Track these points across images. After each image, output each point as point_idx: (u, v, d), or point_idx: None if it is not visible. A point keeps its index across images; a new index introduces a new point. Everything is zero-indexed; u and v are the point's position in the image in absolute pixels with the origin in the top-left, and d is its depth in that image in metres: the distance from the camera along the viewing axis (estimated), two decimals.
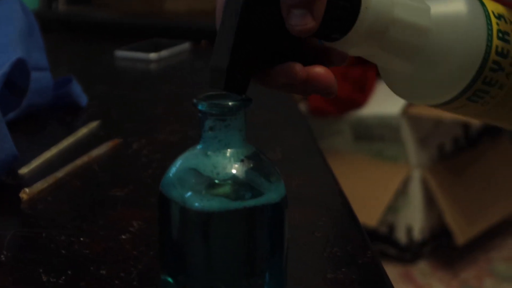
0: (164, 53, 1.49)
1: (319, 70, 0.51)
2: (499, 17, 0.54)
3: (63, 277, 0.61)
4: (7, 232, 0.69)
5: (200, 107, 0.49)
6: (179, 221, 0.50)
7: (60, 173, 0.82)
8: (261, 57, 0.51)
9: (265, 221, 0.50)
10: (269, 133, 0.98)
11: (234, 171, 0.49)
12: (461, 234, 2.35)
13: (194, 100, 0.49)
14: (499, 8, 0.55)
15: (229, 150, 0.50)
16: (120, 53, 1.49)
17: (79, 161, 0.85)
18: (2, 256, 0.65)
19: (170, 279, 0.51)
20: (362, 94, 2.44)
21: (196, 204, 0.48)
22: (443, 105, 0.56)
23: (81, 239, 0.68)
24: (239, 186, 0.49)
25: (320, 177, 0.85)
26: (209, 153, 0.50)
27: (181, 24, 1.73)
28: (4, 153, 0.79)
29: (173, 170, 0.51)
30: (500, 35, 0.54)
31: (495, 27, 0.54)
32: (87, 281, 0.60)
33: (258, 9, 0.49)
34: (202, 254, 0.49)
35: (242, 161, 0.50)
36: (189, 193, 0.49)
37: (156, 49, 1.49)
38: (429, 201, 2.38)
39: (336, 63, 0.55)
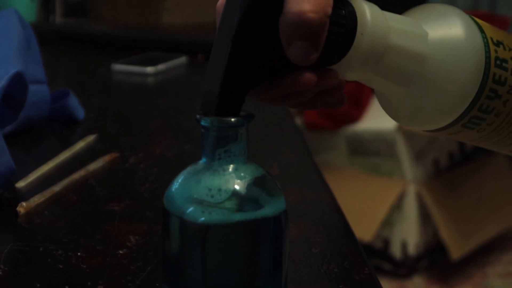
0: (161, 66, 1.49)
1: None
2: (497, 44, 0.54)
3: None
4: (4, 247, 0.69)
5: (203, 122, 0.49)
6: (178, 234, 0.50)
7: (57, 187, 0.82)
8: (254, 80, 0.51)
9: (265, 235, 0.50)
10: (265, 148, 0.98)
11: (234, 186, 0.49)
12: (456, 249, 2.35)
13: (197, 116, 0.49)
14: (499, 35, 0.55)
15: (231, 165, 0.50)
16: (117, 67, 1.49)
17: (76, 175, 0.85)
18: None
19: None
20: (357, 109, 2.45)
21: (195, 217, 0.48)
22: (438, 131, 0.56)
23: (78, 253, 0.67)
24: (240, 200, 0.49)
25: (317, 192, 0.85)
26: (210, 167, 0.50)
27: (177, 37, 1.73)
28: (2, 167, 0.79)
29: (174, 183, 0.51)
30: (498, 62, 0.53)
31: (493, 54, 0.53)
32: None
33: (253, 33, 0.49)
34: (201, 267, 0.49)
35: (243, 175, 0.50)
36: (188, 206, 0.49)
37: (153, 62, 1.50)
38: (424, 216, 2.38)
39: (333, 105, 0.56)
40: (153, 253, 0.68)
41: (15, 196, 0.81)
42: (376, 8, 0.51)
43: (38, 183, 0.85)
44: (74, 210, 0.79)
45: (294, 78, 0.50)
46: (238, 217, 0.49)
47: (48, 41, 1.76)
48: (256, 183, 0.50)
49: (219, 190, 0.49)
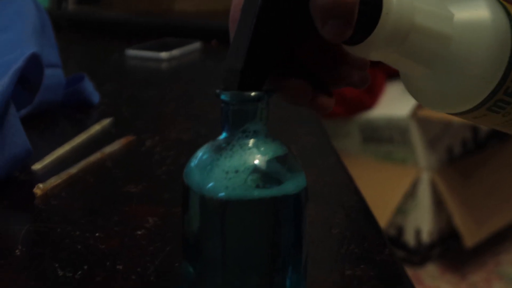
0: (175, 52, 1.48)
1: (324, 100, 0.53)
2: None
3: (79, 272, 0.60)
4: (21, 228, 0.69)
5: (223, 97, 0.48)
6: (198, 209, 0.49)
7: (73, 169, 0.81)
8: (276, 59, 0.50)
9: (285, 212, 0.49)
10: (282, 131, 0.97)
11: (255, 162, 0.49)
12: (470, 236, 2.34)
13: (217, 91, 0.49)
14: None
15: (251, 141, 0.49)
16: (131, 52, 1.49)
17: (92, 158, 0.85)
18: (17, 250, 0.64)
19: (190, 268, 0.50)
20: (371, 96, 2.44)
21: (215, 192, 0.48)
22: (462, 114, 0.55)
23: (96, 234, 0.67)
24: (260, 176, 0.48)
25: (335, 174, 0.84)
26: (230, 143, 0.49)
27: (191, 23, 1.73)
28: (18, 147, 0.78)
29: (194, 159, 0.50)
30: None
31: None
32: (103, 276, 0.60)
33: (276, 11, 0.49)
34: (220, 243, 0.49)
35: (263, 151, 0.49)
36: (208, 182, 0.48)
37: (167, 48, 1.49)
38: (438, 203, 2.38)
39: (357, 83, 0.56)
40: (172, 234, 0.67)
41: (31, 178, 0.81)
42: None
43: (54, 165, 0.84)
44: (91, 192, 0.79)
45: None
46: (258, 193, 0.48)
47: (61, 28, 1.76)
48: (276, 159, 0.49)
49: (239, 166, 0.48)
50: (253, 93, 0.49)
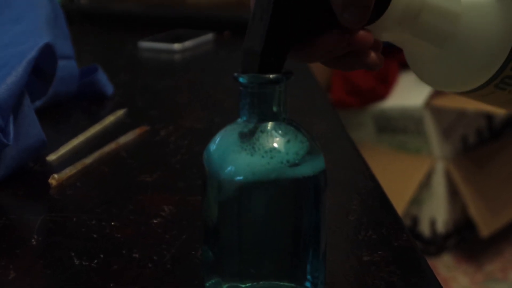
0: (188, 43, 1.48)
1: (363, 33, 0.51)
2: None
3: (96, 261, 0.60)
4: (36, 217, 0.69)
5: (241, 80, 0.48)
6: (217, 192, 0.49)
7: (88, 160, 0.81)
8: (295, 39, 0.50)
9: (304, 195, 0.49)
10: (297, 119, 0.97)
11: (273, 144, 0.48)
12: (485, 226, 2.33)
13: (235, 74, 0.48)
14: None
15: (269, 123, 0.49)
16: (144, 44, 1.48)
17: (107, 148, 0.85)
18: (33, 240, 0.64)
19: (210, 252, 0.50)
20: (384, 86, 2.43)
21: (233, 175, 0.48)
22: (470, 92, 0.56)
23: (112, 223, 0.67)
24: (278, 158, 0.48)
25: (351, 162, 0.84)
26: (248, 126, 0.49)
27: (203, 15, 1.72)
28: (33, 138, 0.78)
29: (213, 143, 0.50)
30: None
31: None
32: (120, 264, 0.60)
33: None
34: (238, 227, 0.49)
35: (281, 134, 0.49)
36: (226, 165, 0.48)
37: (179, 39, 1.49)
38: (453, 193, 2.36)
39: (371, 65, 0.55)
40: (188, 222, 0.67)
41: (46, 169, 0.81)
42: None
43: (69, 156, 0.84)
44: (106, 181, 0.78)
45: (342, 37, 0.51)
46: (276, 175, 0.48)
47: (73, 21, 1.75)
48: (295, 141, 0.49)
49: (258, 149, 0.48)
50: (272, 76, 0.48)
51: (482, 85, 0.54)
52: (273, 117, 0.49)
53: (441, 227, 2.38)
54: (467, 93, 0.56)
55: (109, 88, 1.09)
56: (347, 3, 0.49)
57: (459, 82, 0.55)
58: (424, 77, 0.57)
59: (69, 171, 0.78)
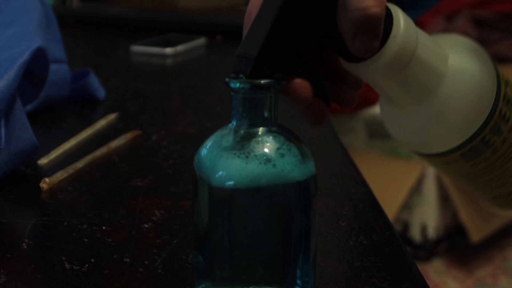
0: (180, 48, 1.48)
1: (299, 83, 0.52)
2: (506, 83, 0.56)
3: (87, 265, 0.60)
4: (27, 221, 0.68)
5: (232, 85, 0.48)
6: (207, 198, 0.49)
7: (80, 164, 0.81)
8: (289, 53, 0.51)
9: (294, 200, 0.49)
10: (289, 125, 0.97)
11: (264, 150, 0.48)
12: (476, 232, 2.33)
13: (226, 79, 0.49)
14: (506, 75, 0.57)
15: (260, 129, 0.49)
16: (136, 48, 1.48)
17: (98, 152, 0.85)
18: (24, 244, 0.64)
19: (200, 257, 0.50)
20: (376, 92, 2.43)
21: (223, 181, 0.48)
22: (435, 157, 0.57)
23: (103, 227, 0.67)
24: (268, 163, 0.48)
25: (341, 167, 0.84)
26: (239, 131, 0.49)
27: (196, 19, 1.72)
28: (24, 142, 0.78)
29: (203, 147, 0.50)
30: (506, 100, 0.55)
31: (503, 90, 0.55)
32: (111, 268, 0.60)
33: (299, 5, 0.50)
34: (228, 232, 0.49)
35: (272, 139, 0.49)
36: (216, 170, 0.48)
37: (171, 44, 1.49)
38: (444, 199, 2.37)
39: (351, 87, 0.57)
40: (179, 227, 0.67)
41: (37, 173, 0.81)
42: (409, 18, 0.53)
43: (60, 160, 0.84)
44: (97, 186, 0.78)
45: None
46: (267, 180, 0.48)
47: (66, 25, 1.75)
48: (285, 147, 0.49)
49: (248, 154, 0.48)
50: (262, 81, 0.49)
51: (450, 150, 0.56)
52: (264, 123, 0.49)
53: (431, 232, 2.39)
54: (430, 157, 0.58)
55: (101, 92, 1.09)
56: (358, 31, 0.49)
57: (429, 142, 0.56)
58: (393, 131, 0.58)
59: (60, 175, 0.78)
